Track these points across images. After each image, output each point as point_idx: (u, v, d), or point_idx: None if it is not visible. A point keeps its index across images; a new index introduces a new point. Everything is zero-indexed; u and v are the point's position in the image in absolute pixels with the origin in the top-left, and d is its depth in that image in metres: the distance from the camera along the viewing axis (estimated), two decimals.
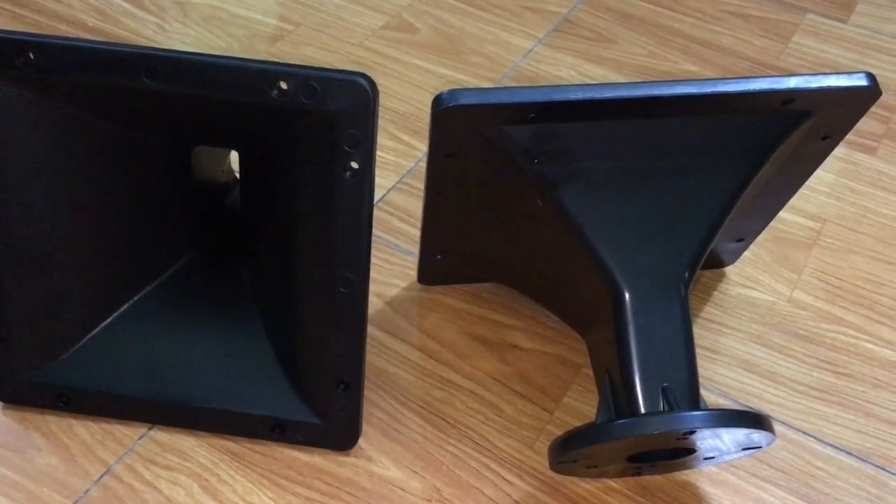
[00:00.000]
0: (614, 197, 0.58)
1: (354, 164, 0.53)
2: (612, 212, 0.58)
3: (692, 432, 0.52)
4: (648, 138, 0.57)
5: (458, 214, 0.64)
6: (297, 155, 0.55)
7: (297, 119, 0.53)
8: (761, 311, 0.72)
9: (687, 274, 0.58)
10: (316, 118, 0.52)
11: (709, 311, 0.72)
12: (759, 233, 0.72)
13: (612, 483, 0.61)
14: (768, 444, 0.55)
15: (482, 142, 0.56)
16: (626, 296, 0.57)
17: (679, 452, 0.56)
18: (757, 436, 0.53)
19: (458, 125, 0.55)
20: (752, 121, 0.57)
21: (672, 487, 0.61)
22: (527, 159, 0.56)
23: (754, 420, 0.52)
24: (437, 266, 0.70)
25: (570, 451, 0.53)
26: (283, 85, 0.51)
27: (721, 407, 0.65)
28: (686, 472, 0.61)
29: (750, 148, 0.58)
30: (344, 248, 0.55)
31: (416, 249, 0.73)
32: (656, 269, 0.58)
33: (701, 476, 0.61)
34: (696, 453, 0.56)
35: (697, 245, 0.58)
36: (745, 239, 0.72)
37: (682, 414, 0.52)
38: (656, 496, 0.60)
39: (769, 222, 0.71)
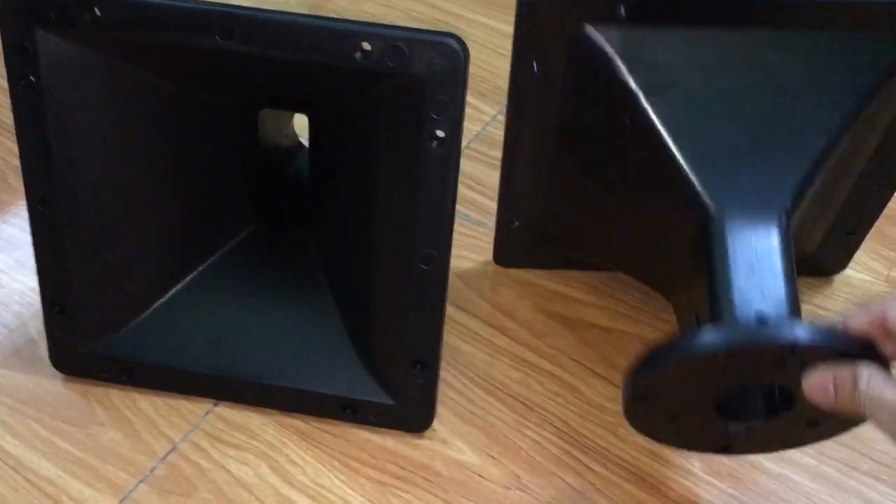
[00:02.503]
0: (709, 114, 0.53)
1: (441, 133, 0.49)
2: (707, 129, 0.53)
3: (796, 350, 0.44)
4: (751, 52, 0.52)
5: (538, 156, 0.60)
6: (377, 121, 0.51)
7: (379, 83, 0.49)
8: (858, 292, 0.68)
9: (789, 204, 0.52)
10: (400, 82, 0.48)
11: (802, 290, 0.68)
12: (871, 222, 0.65)
13: (702, 475, 0.57)
14: None
15: (568, 46, 0.52)
16: (720, 220, 0.51)
17: (775, 407, 0.50)
18: None
19: (543, 22, 0.51)
20: (870, 40, 0.51)
21: (767, 481, 0.57)
22: (615, 68, 0.52)
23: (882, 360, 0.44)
24: (513, 237, 0.66)
25: (658, 370, 0.46)
26: (367, 46, 0.47)
27: None
28: (782, 464, 0.58)
29: (864, 72, 0.52)
30: (427, 222, 0.51)
31: (485, 219, 0.70)
32: (755, 193, 0.52)
33: (798, 469, 0.58)
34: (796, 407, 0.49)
35: (802, 174, 0.52)
36: (856, 232, 0.66)
37: (793, 326, 0.45)
38: (749, 489, 0.57)
39: (883, 207, 0.64)
